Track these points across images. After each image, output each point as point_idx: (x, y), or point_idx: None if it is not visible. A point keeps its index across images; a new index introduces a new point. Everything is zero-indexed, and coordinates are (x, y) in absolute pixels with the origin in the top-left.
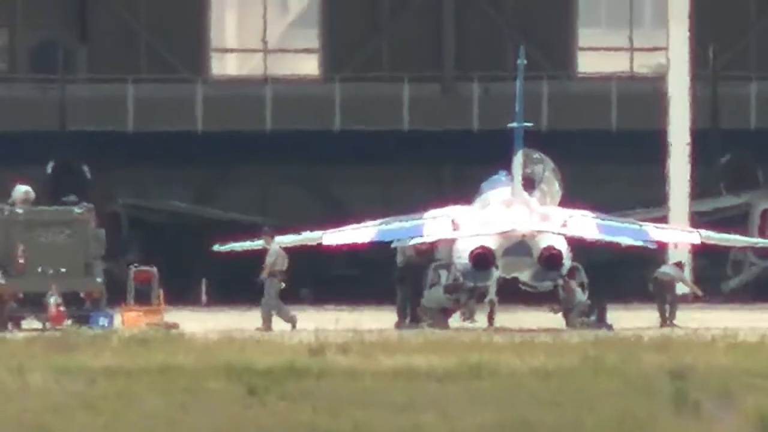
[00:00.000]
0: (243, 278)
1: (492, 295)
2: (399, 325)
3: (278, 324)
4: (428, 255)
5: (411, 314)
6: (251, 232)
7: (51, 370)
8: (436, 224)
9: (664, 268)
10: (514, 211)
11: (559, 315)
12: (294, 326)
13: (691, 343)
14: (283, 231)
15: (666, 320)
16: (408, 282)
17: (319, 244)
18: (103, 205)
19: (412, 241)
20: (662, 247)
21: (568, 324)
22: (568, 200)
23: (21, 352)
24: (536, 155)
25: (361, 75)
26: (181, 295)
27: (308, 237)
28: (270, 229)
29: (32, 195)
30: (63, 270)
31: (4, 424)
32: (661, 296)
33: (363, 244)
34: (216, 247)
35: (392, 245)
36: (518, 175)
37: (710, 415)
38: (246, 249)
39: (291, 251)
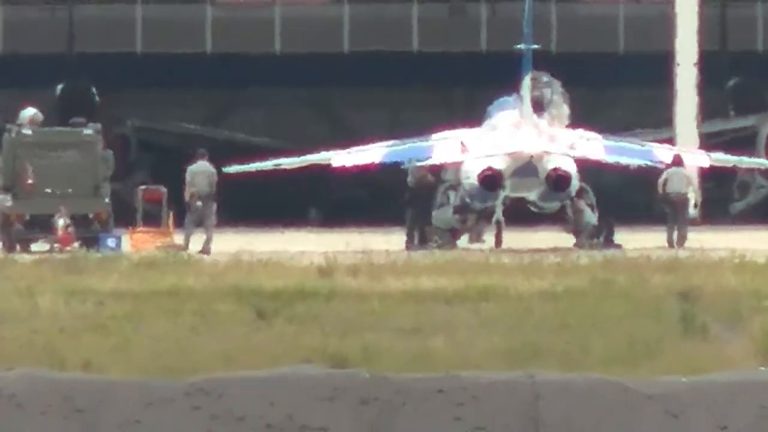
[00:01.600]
0: (252, 199)
1: (499, 215)
2: (408, 246)
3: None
4: (434, 176)
5: (420, 235)
6: (260, 154)
7: (60, 293)
8: (444, 146)
9: (674, 186)
10: (522, 133)
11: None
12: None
13: (699, 264)
14: (292, 153)
15: (673, 242)
16: (418, 203)
17: (328, 166)
18: (112, 127)
19: (421, 163)
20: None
21: (576, 245)
22: (576, 122)
23: (29, 273)
24: (545, 77)
25: None
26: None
27: (317, 158)
28: (204, 150)
29: (40, 117)
30: (71, 191)
31: (13, 346)
32: (673, 215)
33: (372, 166)
34: (225, 169)
35: (402, 167)
36: (527, 97)
37: (718, 337)
38: (255, 170)
39: (300, 173)
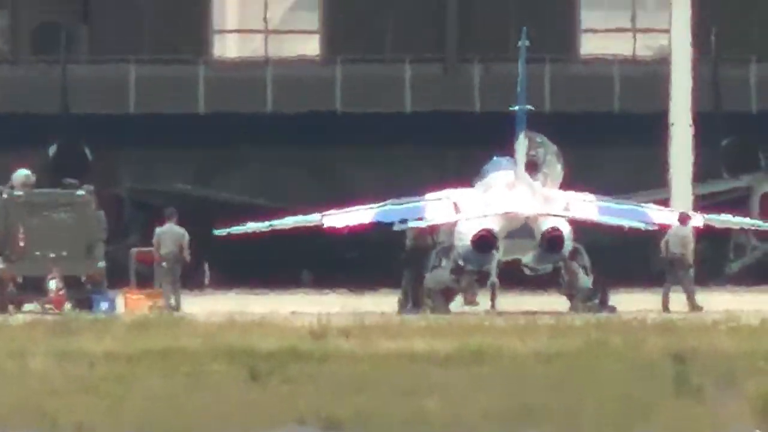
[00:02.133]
0: (245, 260)
1: (494, 277)
2: (401, 308)
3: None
4: (430, 238)
5: (413, 297)
6: (254, 215)
7: (52, 354)
8: (437, 206)
9: (672, 247)
10: (516, 194)
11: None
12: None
13: (694, 326)
14: (285, 212)
15: (668, 305)
16: (414, 265)
17: (320, 227)
18: (105, 188)
19: (414, 224)
20: (664, 229)
21: (571, 307)
22: (570, 182)
23: (22, 335)
24: (539, 138)
25: (362, 56)
26: (184, 277)
27: (308, 219)
28: (172, 210)
29: (32, 179)
30: (64, 253)
31: (4, 408)
32: (673, 275)
33: (363, 227)
34: (217, 231)
35: (394, 228)
36: (521, 158)
37: (712, 399)
38: (248, 232)
39: (292, 233)
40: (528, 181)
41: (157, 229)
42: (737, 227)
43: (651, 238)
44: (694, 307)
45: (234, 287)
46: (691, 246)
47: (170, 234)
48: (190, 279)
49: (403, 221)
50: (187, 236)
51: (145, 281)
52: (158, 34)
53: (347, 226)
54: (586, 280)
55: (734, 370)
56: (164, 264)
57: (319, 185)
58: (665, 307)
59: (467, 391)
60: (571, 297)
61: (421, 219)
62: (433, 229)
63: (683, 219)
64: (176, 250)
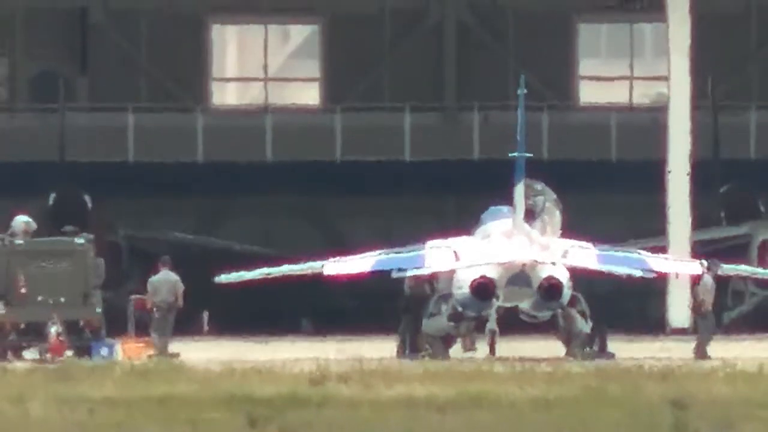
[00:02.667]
0: (244, 308)
1: (492, 324)
2: (399, 354)
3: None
4: (428, 285)
5: (411, 344)
6: (253, 263)
7: (51, 400)
8: (436, 255)
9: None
10: (514, 242)
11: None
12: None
13: (692, 373)
14: (284, 261)
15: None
16: (413, 312)
17: (320, 274)
18: (104, 235)
19: (412, 272)
20: (663, 277)
21: (568, 353)
22: (569, 230)
23: (21, 382)
24: (537, 185)
25: (362, 105)
26: (183, 325)
27: (309, 267)
28: (167, 258)
29: (33, 226)
30: (62, 300)
31: None
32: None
33: (363, 274)
34: (217, 278)
35: (393, 275)
36: (519, 206)
37: None
38: (247, 279)
39: (292, 281)
40: (526, 229)
41: (152, 278)
42: (736, 274)
43: (649, 286)
44: (702, 354)
45: (233, 335)
46: (710, 294)
47: (165, 282)
48: (188, 326)
49: (402, 269)
50: (181, 284)
51: (143, 328)
52: (156, 82)
53: (347, 274)
54: (583, 326)
55: (732, 416)
56: (156, 312)
57: (318, 234)
58: (701, 356)
59: None
60: (568, 343)
61: (420, 267)
62: (431, 277)
63: (707, 267)
64: (171, 298)
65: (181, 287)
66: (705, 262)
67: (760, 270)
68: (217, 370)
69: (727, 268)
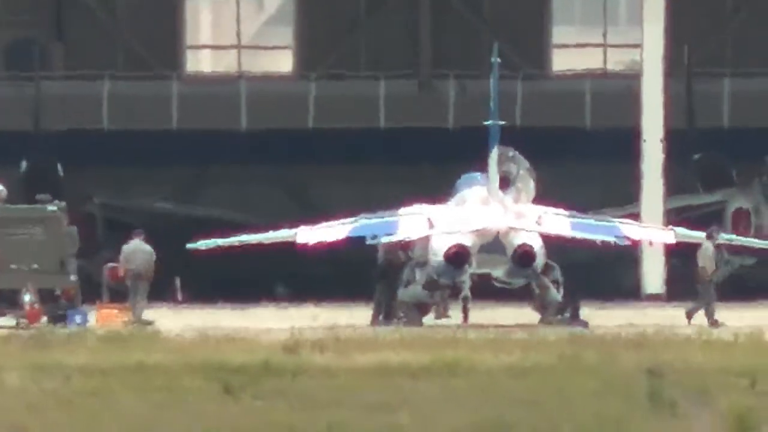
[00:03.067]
0: (219, 276)
1: (466, 291)
2: (374, 322)
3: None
4: (402, 252)
5: (386, 311)
6: (227, 231)
7: (27, 368)
8: (410, 221)
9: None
10: (488, 209)
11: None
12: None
13: (667, 341)
14: (259, 229)
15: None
16: (387, 279)
17: (293, 242)
18: (78, 204)
19: (386, 239)
20: (636, 245)
21: (541, 321)
22: (543, 198)
23: None
24: (511, 153)
25: (336, 72)
26: (157, 293)
27: (283, 234)
28: (140, 230)
29: (4, 193)
30: (36, 267)
31: None
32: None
33: (337, 242)
34: (190, 245)
35: (367, 242)
36: (493, 173)
37: (686, 414)
38: (219, 246)
39: (266, 249)
40: (500, 197)
41: (125, 246)
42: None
43: (622, 253)
44: (712, 322)
45: (207, 303)
46: (711, 262)
47: (137, 251)
48: (162, 294)
49: (376, 236)
50: (153, 254)
51: (117, 296)
52: (131, 50)
53: (321, 242)
54: (556, 295)
55: (708, 385)
56: (128, 281)
57: (292, 201)
58: (711, 322)
59: (440, 405)
60: (542, 311)
61: (394, 234)
62: (406, 245)
63: (708, 235)
64: (143, 266)
65: (152, 257)
66: (710, 231)
67: (755, 240)
68: (192, 338)
69: (726, 238)
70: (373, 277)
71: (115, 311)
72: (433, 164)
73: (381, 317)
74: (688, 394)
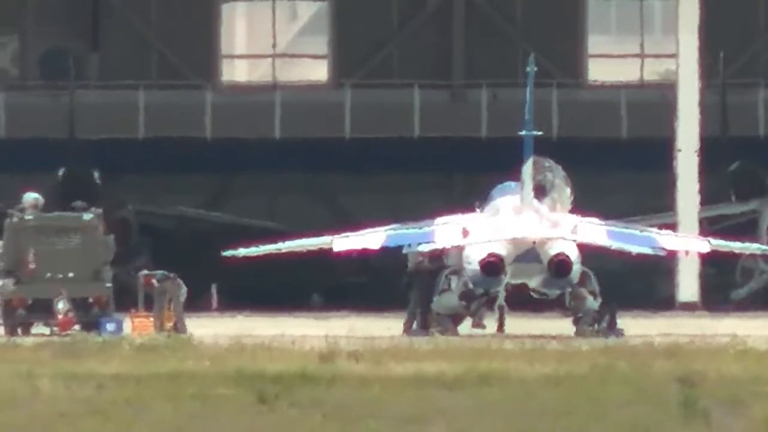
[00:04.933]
0: (253, 283)
1: (501, 301)
2: (406, 331)
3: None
4: (437, 261)
5: (420, 321)
6: (261, 239)
7: (60, 377)
8: (446, 231)
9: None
10: (524, 218)
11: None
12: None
13: (701, 350)
14: (293, 237)
15: None
16: (417, 288)
17: (330, 250)
18: (113, 212)
19: (422, 248)
20: (672, 254)
21: (578, 331)
22: (578, 207)
23: (30, 357)
24: (546, 163)
25: (370, 82)
26: (192, 301)
27: (318, 242)
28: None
29: (42, 201)
30: (71, 275)
31: (14, 431)
32: None
33: (373, 250)
34: (225, 253)
35: (404, 251)
36: (528, 183)
37: (719, 424)
38: (255, 254)
39: (302, 256)
40: (535, 206)
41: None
42: (745, 252)
43: (657, 262)
44: None
45: (242, 310)
46: None
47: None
48: (197, 302)
49: (411, 245)
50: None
51: (152, 304)
52: (166, 59)
53: (356, 250)
54: (593, 304)
55: (741, 394)
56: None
57: (326, 210)
58: None
59: (475, 416)
60: (577, 321)
61: (430, 242)
62: (440, 253)
63: None
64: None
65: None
66: None
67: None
68: (226, 346)
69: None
70: (401, 285)
71: (150, 319)
72: (466, 174)
73: (415, 326)
74: (721, 403)
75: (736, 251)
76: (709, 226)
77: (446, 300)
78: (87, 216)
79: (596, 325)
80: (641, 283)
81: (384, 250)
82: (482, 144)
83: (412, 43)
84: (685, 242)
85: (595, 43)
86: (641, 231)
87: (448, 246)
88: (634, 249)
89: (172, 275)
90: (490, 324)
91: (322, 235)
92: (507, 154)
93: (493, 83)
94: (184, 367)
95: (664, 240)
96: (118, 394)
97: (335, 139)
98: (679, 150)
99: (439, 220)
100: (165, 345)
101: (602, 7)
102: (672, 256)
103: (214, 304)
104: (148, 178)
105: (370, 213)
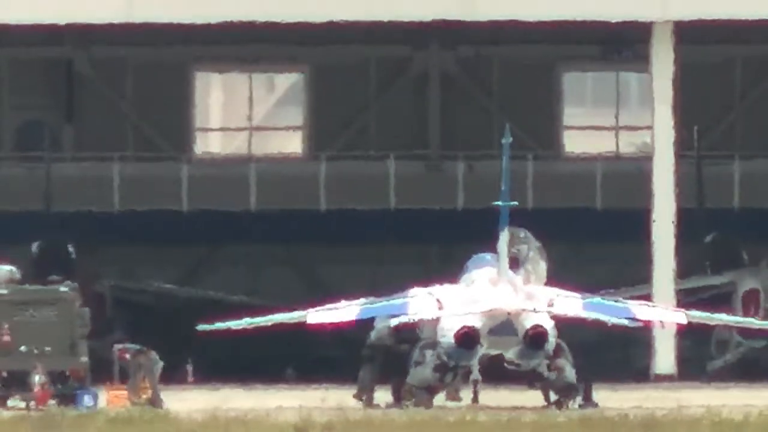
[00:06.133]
0: (229, 357)
1: (476, 374)
2: (358, 399)
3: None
4: (409, 334)
5: (394, 394)
6: (236, 312)
7: None
8: (420, 302)
9: None
10: (499, 290)
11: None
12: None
13: (676, 422)
14: (269, 310)
15: None
16: (376, 361)
17: (304, 323)
18: (89, 285)
19: (395, 321)
20: (648, 326)
21: (555, 403)
22: (554, 279)
23: (7, 431)
24: (522, 233)
25: (346, 153)
26: (168, 374)
27: (292, 316)
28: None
29: (17, 275)
30: (48, 349)
31: None
32: None
33: (347, 323)
34: (201, 327)
35: (375, 324)
36: (504, 254)
37: None
38: (231, 329)
39: (276, 329)
40: (511, 277)
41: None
42: (720, 324)
43: (633, 335)
44: None
45: (217, 384)
46: None
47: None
48: (173, 375)
49: (393, 317)
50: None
51: (127, 377)
52: (141, 131)
53: (331, 323)
54: (568, 375)
55: None
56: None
57: (302, 282)
58: None
59: None
60: (553, 392)
61: (403, 315)
62: (411, 326)
63: None
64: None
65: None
66: None
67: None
68: (201, 420)
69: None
70: (363, 356)
71: (125, 392)
72: (442, 245)
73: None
74: None
75: (713, 323)
76: (684, 298)
77: (420, 372)
78: (62, 289)
79: (572, 397)
80: (617, 355)
81: (358, 322)
82: (458, 215)
83: (388, 114)
84: (662, 313)
85: (570, 115)
86: (617, 302)
87: (420, 318)
88: (610, 320)
89: (145, 349)
90: (466, 396)
91: (298, 308)
92: (483, 225)
93: (469, 155)
94: None
95: (640, 311)
96: None
97: (311, 210)
98: (655, 221)
99: (413, 291)
100: (140, 418)
101: (578, 79)
102: (648, 327)
103: (190, 377)
104: (124, 251)
105: (347, 285)
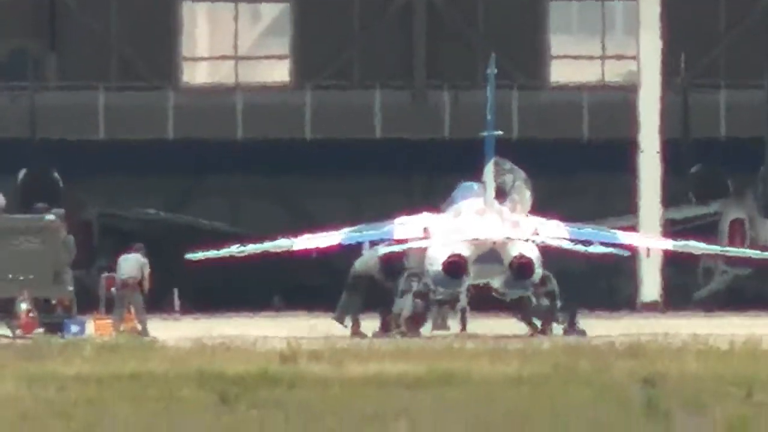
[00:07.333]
0: (215, 285)
1: (463, 302)
2: (339, 321)
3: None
4: (397, 267)
5: (381, 323)
6: (222, 241)
7: (22, 378)
8: (407, 231)
9: None
10: (485, 220)
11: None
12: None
13: (662, 350)
14: (254, 239)
15: None
16: (359, 290)
17: (291, 252)
18: (75, 213)
19: (382, 250)
20: (634, 253)
21: (540, 330)
22: (540, 209)
23: None
24: (507, 164)
25: (332, 83)
26: (154, 302)
27: (280, 244)
28: (140, 245)
29: (2, 203)
30: (32, 277)
31: None
32: None
33: (333, 248)
34: (188, 256)
35: (363, 251)
36: (489, 184)
37: (681, 424)
38: (218, 257)
39: (263, 258)
40: (497, 207)
41: (121, 256)
42: (706, 252)
43: (619, 264)
44: None
45: (204, 312)
46: None
47: (131, 259)
48: (159, 304)
49: (380, 242)
50: (148, 266)
51: (114, 306)
52: (127, 60)
53: (317, 249)
54: (554, 303)
55: (703, 394)
56: (113, 289)
57: (287, 212)
58: None
59: (436, 415)
60: (528, 322)
61: (390, 241)
62: (399, 255)
63: None
64: (134, 275)
65: (147, 269)
66: None
67: (715, 247)
68: (188, 348)
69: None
70: (346, 285)
71: (111, 321)
72: (428, 175)
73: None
74: (683, 403)
75: (698, 252)
76: (670, 228)
77: (408, 301)
78: (48, 217)
79: (558, 325)
80: (603, 284)
81: (345, 250)
82: (444, 145)
83: (374, 44)
84: (648, 240)
85: (556, 44)
86: (603, 231)
87: (408, 246)
88: (596, 248)
89: (131, 278)
90: (453, 324)
91: (284, 238)
92: (468, 156)
93: (454, 85)
94: (146, 369)
95: (626, 238)
96: (80, 395)
97: (296, 140)
98: (642, 151)
99: (399, 220)
100: (127, 346)
101: (563, 8)
102: (634, 256)
103: (176, 306)
104: (109, 180)
105: (332, 215)
